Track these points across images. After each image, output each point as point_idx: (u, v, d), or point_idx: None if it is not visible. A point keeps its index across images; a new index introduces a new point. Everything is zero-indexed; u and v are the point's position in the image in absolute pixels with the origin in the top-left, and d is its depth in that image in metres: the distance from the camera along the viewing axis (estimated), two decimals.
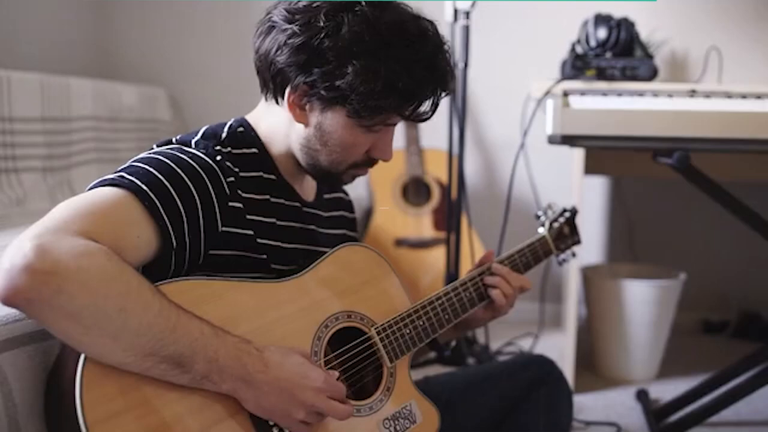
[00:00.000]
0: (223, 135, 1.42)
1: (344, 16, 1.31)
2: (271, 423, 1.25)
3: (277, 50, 1.35)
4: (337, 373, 1.33)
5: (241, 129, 1.45)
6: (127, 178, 1.23)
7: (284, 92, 1.38)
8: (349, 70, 1.31)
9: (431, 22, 1.41)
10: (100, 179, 1.24)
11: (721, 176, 2.24)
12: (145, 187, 1.22)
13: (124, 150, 3.27)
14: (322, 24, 1.31)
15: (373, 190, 3.68)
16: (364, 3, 1.33)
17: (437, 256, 3.49)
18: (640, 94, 2.22)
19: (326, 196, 1.65)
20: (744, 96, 2.15)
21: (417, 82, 1.35)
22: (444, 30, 1.47)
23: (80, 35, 3.79)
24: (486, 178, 3.88)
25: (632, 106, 2.08)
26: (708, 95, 2.18)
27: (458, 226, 3.10)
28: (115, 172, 1.26)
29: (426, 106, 1.41)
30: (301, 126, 1.41)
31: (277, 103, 1.41)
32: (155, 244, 1.23)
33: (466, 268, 3.14)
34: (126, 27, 4.00)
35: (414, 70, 1.34)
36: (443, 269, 3.27)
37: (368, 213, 3.70)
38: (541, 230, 1.87)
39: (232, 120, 1.47)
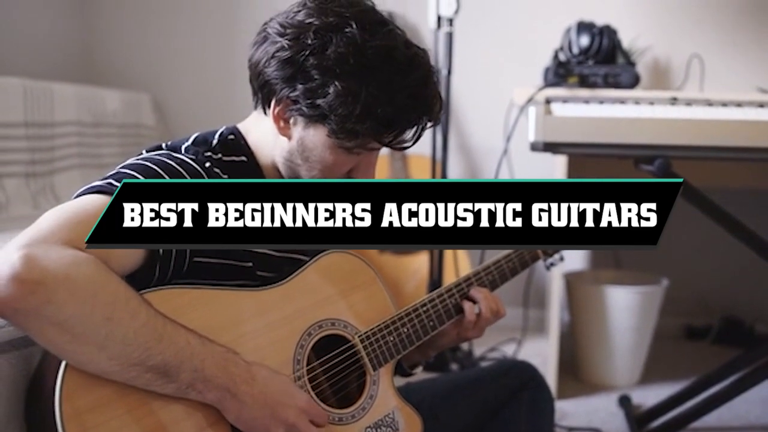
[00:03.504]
0: (214, 142, 1.42)
1: (333, 36, 1.31)
2: None
3: (265, 62, 1.35)
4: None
5: (231, 136, 1.45)
6: (115, 185, 1.22)
7: (270, 103, 1.38)
8: (330, 90, 1.30)
9: (423, 50, 1.40)
10: (88, 186, 1.24)
11: (703, 183, 2.25)
12: None
13: (107, 155, 3.26)
14: (309, 41, 1.31)
15: None
16: (355, 25, 1.32)
17: (421, 263, 3.49)
18: (622, 101, 2.24)
19: None
20: (725, 104, 2.17)
21: (397, 110, 1.34)
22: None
23: (64, 40, 3.78)
24: None
25: (614, 113, 2.09)
26: (689, 103, 2.20)
27: None
28: (103, 179, 1.25)
29: (408, 135, 1.40)
30: (284, 139, 1.40)
31: (265, 113, 1.41)
32: (141, 253, 1.22)
33: (449, 274, 3.15)
34: (110, 32, 3.99)
35: (395, 98, 1.33)
36: (427, 276, 3.28)
37: None
38: None
39: (224, 127, 1.47)
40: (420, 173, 3.63)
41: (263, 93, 1.39)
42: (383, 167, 3.63)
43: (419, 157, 3.64)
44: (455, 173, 3.84)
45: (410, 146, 1.43)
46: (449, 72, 2.98)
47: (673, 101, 2.24)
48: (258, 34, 1.40)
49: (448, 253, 3.19)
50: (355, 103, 1.31)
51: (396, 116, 1.35)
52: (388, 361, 1.49)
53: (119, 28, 3.99)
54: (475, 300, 1.65)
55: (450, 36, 2.95)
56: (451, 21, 2.94)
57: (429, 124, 1.41)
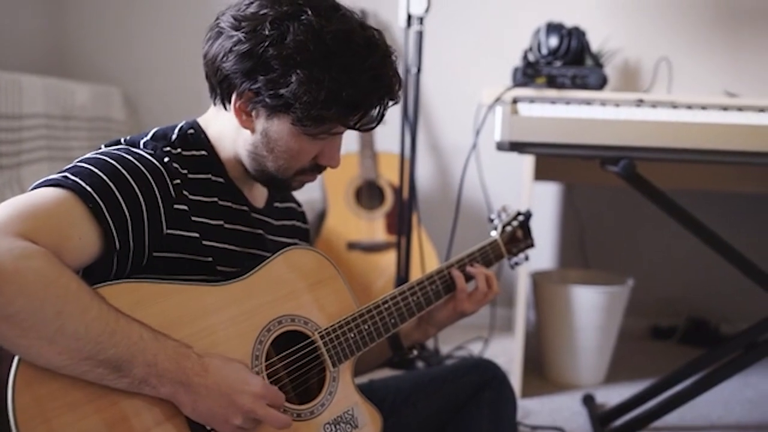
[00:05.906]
0: (173, 136, 1.42)
1: (290, 24, 1.32)
2: (209, 428, 1.25)
3: (223, 57, 1.35)
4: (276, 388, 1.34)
5: (191, 131, 1.45)
6: (71, 179, 1.22)
7: (230, 98, 1.38)
8: (293, 79, 1.31)
9: (378, 31, 1.41)
10: (44, 179, 1.24)
11: (668, 185, 2.27)
12: (88, 188, 1.21)
13: (76, 149, 3.24)
14: (267, 32, 1.31)
15: (326, 192, 3.68)
16: (310, 12, 1.33)
17: (390, 260, 3.50)
18: (588, 102, 2.25)
19: (277, 204, 1.66)
20: (689, 106, 2.18)
21: (361, 93, 1.36)
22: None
23: (33, 32, 3.74)
24: (439, 182, 3.90)
25: (580, 114, 2.10)
26: (654, 105, 2.21)
27: (409, 230, 3.11)
28: (59, 173, 1.25)
29: (372, 116, 1.42)
30: (248, 132, 1.41)
31: (225, 108, 1.41)
32: (97, 246, 1.22)
33: (416, 272, 3.16)
34: (80, 24, 3.96)
35: (358, 81, 1.34)
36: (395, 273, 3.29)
37: (321, 216, 3.70)
38: (494, 234, 1.88)
39: (183, 122, 1.47)
40: (389, 171, 3.64)
41: (222, 88, 1.39)
42: (353, 164, 3.64)
43: (389, 154, 3.65)
44: (424, 171, 3.86)
45: (374, 127, 1.45)
46: (419, 70, 2.98)
47: (639, 103, 2.25)
48: (211, 30, 1.40)
49: (415, 251, 3.20)
50: (320, 89, 1.32)
51: (360, 99, 1.37)
52: (349, 358, 1.49)
53: (90, 20, 3.97)
54: (472, 276, 1.75)
55: (420, 35, 2.96)
56: (421, 20, 2.95)
57: (391, 103, 1.43)
